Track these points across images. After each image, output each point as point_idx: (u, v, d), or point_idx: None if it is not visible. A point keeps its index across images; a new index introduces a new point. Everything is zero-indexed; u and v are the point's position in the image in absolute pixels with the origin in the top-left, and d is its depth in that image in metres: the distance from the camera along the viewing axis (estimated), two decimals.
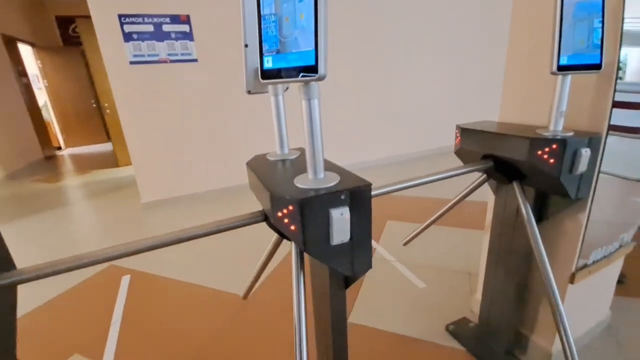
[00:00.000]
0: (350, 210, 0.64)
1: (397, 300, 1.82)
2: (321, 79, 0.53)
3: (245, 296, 1.30)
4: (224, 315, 1.77)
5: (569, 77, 0.94)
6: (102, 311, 1.86)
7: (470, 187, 1.23)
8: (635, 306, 1.62)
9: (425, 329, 1.60)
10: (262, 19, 0.57)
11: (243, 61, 0.85)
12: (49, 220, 3.25)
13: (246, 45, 0.83)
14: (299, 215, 0.61)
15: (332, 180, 0.67)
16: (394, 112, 4.32)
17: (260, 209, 0.84)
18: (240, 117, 3.52)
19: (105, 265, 2.32)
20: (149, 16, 2.95)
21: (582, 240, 1.17)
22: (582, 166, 0.97)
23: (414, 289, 1.91)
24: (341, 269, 0.69)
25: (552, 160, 0.96)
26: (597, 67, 0.90)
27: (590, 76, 1.01)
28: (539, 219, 1.21)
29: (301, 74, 0.55)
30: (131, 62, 2.98)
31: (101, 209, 3.51)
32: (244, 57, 0.85)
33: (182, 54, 3.14)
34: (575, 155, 0.96)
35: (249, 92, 0.89)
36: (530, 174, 1.06)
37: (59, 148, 7.24)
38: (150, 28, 2.97)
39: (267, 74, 0.59)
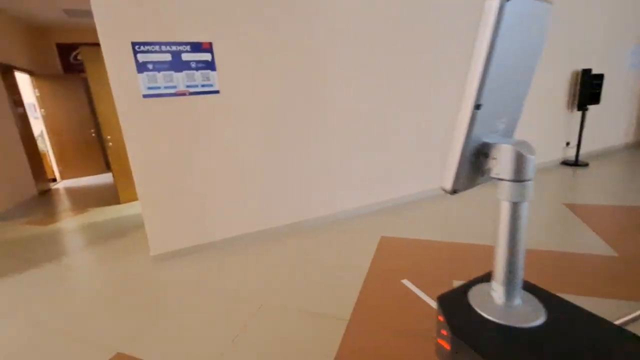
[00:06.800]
0: None
1: None
2: None
3: None
4: None
5: None
6: None
7: None
8: None
9: None
10: None
11: (461, 132, 0.43)
12: (40, 280, 2.73)
13: (478, 107, 0.41)
14: None
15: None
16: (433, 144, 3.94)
17: None
18: (266, 155, 3.10)
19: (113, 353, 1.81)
20: (166, 44, 2.58)
21: None
22: None
23: None
24: None
25: None
26: None
27: None
28: None
29: None
30: (145, 96, 2.58)
31: (102, 263, 3.00)
32: (466, 125, 0.42)
33: (202, 85, 2.75)
34: None
35: (453, 193, 0.46)
36: None
37: (54, 180, 6.77)
38: (168, 57, 2.60)
39: None
